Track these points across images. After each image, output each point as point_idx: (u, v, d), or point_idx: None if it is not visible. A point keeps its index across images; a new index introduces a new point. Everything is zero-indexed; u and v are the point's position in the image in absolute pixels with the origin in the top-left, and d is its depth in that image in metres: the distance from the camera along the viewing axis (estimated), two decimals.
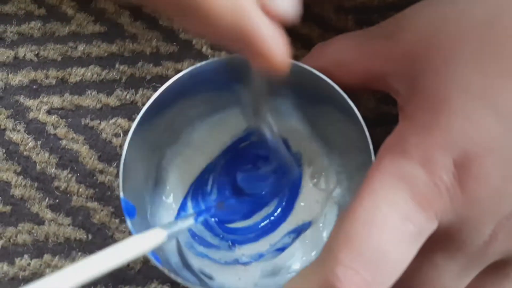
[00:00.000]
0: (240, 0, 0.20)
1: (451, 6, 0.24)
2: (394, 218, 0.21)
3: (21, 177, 0.33)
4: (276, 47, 0.20)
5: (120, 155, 0.26)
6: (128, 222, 0.26)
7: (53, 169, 0.33)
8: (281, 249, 0.31)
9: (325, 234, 0.31)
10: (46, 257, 0.32)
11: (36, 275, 0.31)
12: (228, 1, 0.20)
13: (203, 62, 0.27)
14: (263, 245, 0.31)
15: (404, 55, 0.25)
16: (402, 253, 0.21)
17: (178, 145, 0.31)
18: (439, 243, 0.22)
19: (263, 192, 0.32)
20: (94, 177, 0.33)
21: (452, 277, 0.23)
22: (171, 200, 0.31)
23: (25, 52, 0.35)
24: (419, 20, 0.25)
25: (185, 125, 0.31)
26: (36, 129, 0.34)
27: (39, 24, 0.36)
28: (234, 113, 0.31)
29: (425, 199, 0.21)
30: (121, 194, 0.26)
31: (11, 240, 0.32)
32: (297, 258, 0.30)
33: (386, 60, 0.26)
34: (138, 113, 0.27)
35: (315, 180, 0.32)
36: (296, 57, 0.34)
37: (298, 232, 0.31)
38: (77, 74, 0.35)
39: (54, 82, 0.35)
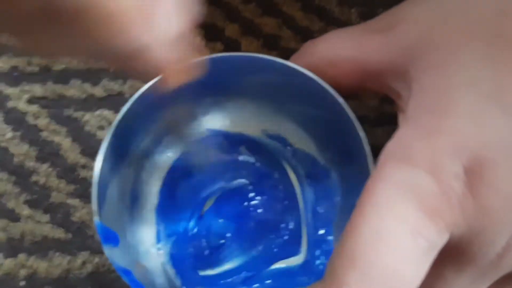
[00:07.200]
0: None
1: None
2: (403, 234, 0.19)
3: None
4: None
5: None
6: (107, 252, 0.23)
7: (32, 163, 0.31)
8: None
9: None
10: (21, 256, 0.30)
11: (10, 275, 0.30)
12: None
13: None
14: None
15: (403, 49, 0.23)
16: (414, 271, 0.19)
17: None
18: (449, 256, 0.21)
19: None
20: (76, 172, 0.31)
21: None
22: (152, 215, 0.29)
23: (7, 36, 0.33)
24: (420, 11, 0.23)
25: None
26: (16, 119, 0.32)
27: None
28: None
29: (435, 210, 0.19)
30: (96, 218, 0.23)
31: None
32: None
33: (383, 56, 0.23)
34: (124, 105, 0.25)
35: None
36: (294, 51, 0.32)
37: None
38: (61, 61, 0.33)
39: (37, 69, 0.33)
